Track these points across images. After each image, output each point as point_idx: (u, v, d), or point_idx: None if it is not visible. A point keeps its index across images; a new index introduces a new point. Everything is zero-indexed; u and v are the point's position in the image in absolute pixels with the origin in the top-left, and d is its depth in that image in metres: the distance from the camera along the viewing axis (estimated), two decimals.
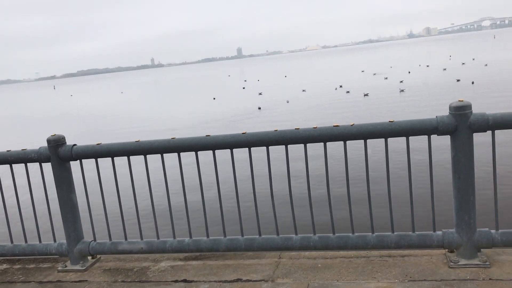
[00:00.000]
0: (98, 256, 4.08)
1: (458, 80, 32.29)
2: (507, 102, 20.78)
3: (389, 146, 3.39)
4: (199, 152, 3.69)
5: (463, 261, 3.26)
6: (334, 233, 3.56)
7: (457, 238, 3.32)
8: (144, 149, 3.71)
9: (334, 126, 3.38)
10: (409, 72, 45.60)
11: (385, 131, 3.29)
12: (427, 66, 51.65)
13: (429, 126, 3.23)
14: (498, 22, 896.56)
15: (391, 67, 57.85)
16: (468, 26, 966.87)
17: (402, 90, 30.34)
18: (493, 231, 3.33)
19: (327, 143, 3.43)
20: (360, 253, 3.58)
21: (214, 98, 41.39)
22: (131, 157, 3.82)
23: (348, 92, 33.31)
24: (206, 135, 3.63)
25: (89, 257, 4.05)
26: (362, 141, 3.39)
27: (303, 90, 38.58)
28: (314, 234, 3.59)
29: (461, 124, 3.16)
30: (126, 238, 3.98)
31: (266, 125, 21.70)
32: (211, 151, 3.66)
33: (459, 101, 3.20)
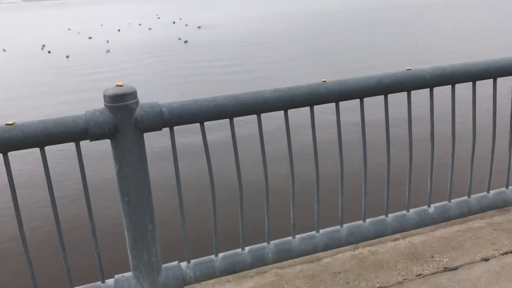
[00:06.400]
0: None
1: (186, 42, 30.48)
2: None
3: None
4: None
5: None
6: None
7: (135, 285, 2.27)
8: None
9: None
10: (119, 31, 43.97)
11: None
12: (139, 24, 50.59)
13: (76, 128, 1.99)
14: None
15: (101, 25, 54.78)
16: None
17: (108, 51, 28.51)
18: (184, 264, 2.41)
19: None
20: None
21: None
22: None
23: (49, 52, 29.66)
24: None
25: None
26: None
27: (4, 50, 32.83)
28: None
29: (123, 122, 2.03)
30: None
31: None
32: None
33: (117, 86, 2.05)
